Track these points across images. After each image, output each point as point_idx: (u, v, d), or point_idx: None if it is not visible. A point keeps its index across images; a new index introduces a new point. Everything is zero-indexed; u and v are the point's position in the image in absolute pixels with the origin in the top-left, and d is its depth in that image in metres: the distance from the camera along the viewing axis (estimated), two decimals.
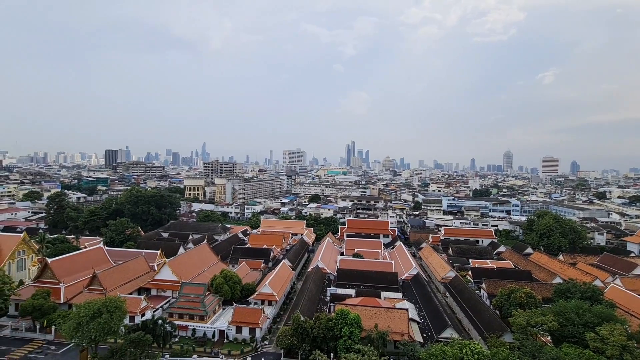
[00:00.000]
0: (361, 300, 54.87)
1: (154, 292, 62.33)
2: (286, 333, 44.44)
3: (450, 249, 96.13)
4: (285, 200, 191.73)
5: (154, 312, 54.44)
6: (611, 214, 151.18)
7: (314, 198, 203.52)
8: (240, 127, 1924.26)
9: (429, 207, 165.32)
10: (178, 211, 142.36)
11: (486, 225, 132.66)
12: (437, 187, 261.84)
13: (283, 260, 76.91)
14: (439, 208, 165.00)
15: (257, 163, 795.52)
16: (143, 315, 51.92)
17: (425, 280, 73.18)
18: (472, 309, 56.54)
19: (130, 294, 57.71)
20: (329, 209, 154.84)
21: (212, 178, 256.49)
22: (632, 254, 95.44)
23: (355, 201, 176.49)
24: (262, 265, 79.97)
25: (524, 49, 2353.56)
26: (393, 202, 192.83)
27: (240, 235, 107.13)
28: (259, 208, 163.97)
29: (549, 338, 44.21)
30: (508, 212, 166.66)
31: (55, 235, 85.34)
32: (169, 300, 59.68)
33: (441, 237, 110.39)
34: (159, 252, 74.54)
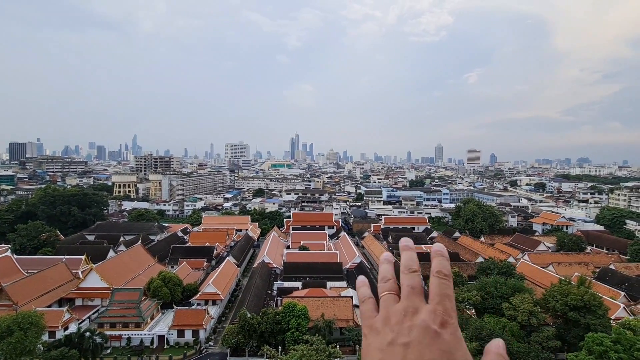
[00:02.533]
0: (308, 292, 55.89)
1: (79, 302, 55.97)
2: (232, 331, 43.49)
3: (390, 237, 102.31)
4: (228, 196, 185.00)
5: (79, 324, 48.93)
6: (521, 199, 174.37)
7: (259, 192, 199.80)
8: (178, 119, 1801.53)
9: (370, 198, 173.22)
10: (106, 211, 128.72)
11: (421, 213, 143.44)
12: (378, 179, 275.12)
13: (227, 258, 74.57)
14: (379, 198, 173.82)
15: (197, 157, 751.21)
16: (66, 328, 46.38)
17: (368, 267, 77.05)
18: None
19: (50, 306, 51.11)
20: (274, 203, 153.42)
21: (145, 174, 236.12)
22: (537, 233, 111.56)
23: (300, 194, 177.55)
24: (205, 264, 76.59)
25: (453, 50, 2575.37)
26: (337, 194, 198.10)
27: (180, 234, 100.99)
28: (200, 204, 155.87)
29: (473, 311, 49.90)
30: (439, 201, 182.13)
31: None
32: (98, 310, 54.17)
33: (382, 226, 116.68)
34: (83, 257, 66.75)
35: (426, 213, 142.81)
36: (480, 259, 76.96)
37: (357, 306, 53.46)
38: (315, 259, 75.71)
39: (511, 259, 74.33)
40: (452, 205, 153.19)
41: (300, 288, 60.80)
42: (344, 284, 65.55)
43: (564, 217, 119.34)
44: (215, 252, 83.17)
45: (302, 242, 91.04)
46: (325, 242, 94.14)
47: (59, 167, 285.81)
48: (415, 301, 1.71)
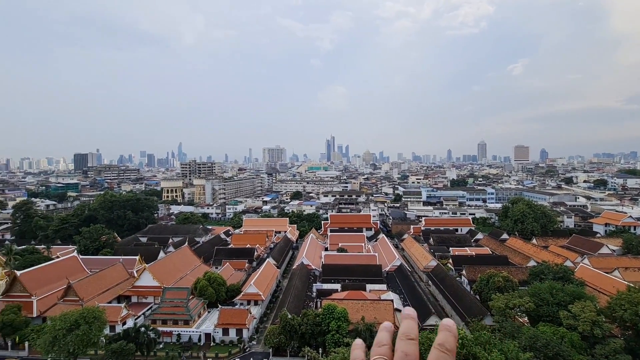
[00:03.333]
0: (347, 294, 55.51)
1: (134, 299, 60.43)
2: (274, 331, 44.38)
3: (431, 239, 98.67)
4: (266, 199, 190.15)
5: (135, 319, 52.87)
6: (578, 198, 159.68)
7: (296, 195, 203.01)
8: (218, 126, 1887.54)
9: (409, 199, 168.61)
10: (156, 214, 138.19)
11: (464, 214, 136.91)
12: (416, 179, 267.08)
13: (267, 259, 76.45)
14: (418, 199, 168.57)
15: (237, 162, 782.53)
16: (124, 323, 50.31)
17: (409, 270, 74.87)
18: (454, 295, 58.41)
19: (109, 302, 55.77)
20: (311, 205, 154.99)
21: (190, 179, 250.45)
22: (598, 235, 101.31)
23: (337, 196, 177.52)
24: (247, 265, 79.18)
25: (494, 41, 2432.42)
26: (374, 195, 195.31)
27: (223, 236, 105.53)
28: (240, 207, 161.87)
29: (526, 319, 46.39)
30: (484, 200, 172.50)
31: (23, 247, 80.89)
32: (151, 307, 58.07)
33: (422, 228, 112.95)
34: (137, 257, 72.23)
35: (470, 214, 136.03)
36: (532, 263, 71.50)
37: (398, 310, 52.14)
38: (353, 261, 75.14)
39: (568, 263, 68.18)
40: (499, 206, 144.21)
41: (339, 290, 60.58)
42: (384, 287, 64.28)
43: (631, 216, 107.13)
44: (256, 253, 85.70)
45: (340, 244, 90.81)
46: (363, 244, 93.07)
47: (115, 174, 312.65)
48: None
